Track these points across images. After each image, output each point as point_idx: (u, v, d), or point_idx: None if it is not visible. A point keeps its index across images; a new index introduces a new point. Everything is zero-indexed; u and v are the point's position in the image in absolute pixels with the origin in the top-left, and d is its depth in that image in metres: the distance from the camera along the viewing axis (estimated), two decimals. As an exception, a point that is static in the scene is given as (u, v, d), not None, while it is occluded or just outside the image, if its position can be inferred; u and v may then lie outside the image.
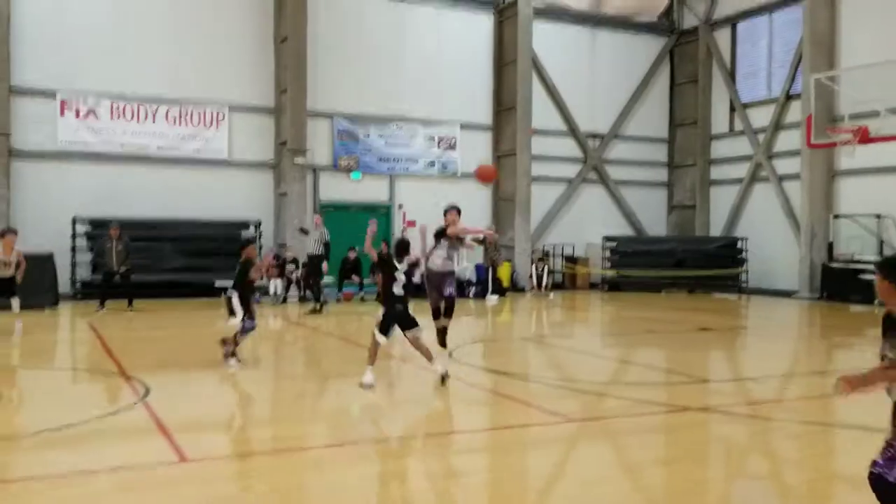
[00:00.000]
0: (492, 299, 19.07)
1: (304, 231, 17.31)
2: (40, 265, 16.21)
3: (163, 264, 17.84)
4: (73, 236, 17.63)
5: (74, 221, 17.64)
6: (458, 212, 10.28)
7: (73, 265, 17.65)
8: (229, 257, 18.66)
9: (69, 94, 18.05)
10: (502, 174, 22.25)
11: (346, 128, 20.71)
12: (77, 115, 18.18)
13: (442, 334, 9.93)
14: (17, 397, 7.88)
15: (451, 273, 10.05)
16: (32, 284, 15.73)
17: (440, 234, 10.07)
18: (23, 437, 6.03)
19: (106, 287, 15.52)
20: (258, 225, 19.13)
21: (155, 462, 5.32)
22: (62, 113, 18.04)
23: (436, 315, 9.98)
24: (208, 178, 19.26)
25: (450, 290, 9.91)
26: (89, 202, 17.83)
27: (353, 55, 20.59)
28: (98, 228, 17.15)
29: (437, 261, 9.96)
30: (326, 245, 16.37)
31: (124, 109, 18.61)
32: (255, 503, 4.60)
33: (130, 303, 15.33)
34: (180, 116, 19.13)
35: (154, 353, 10.82)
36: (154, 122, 18.88)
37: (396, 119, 21.20)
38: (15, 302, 12.71)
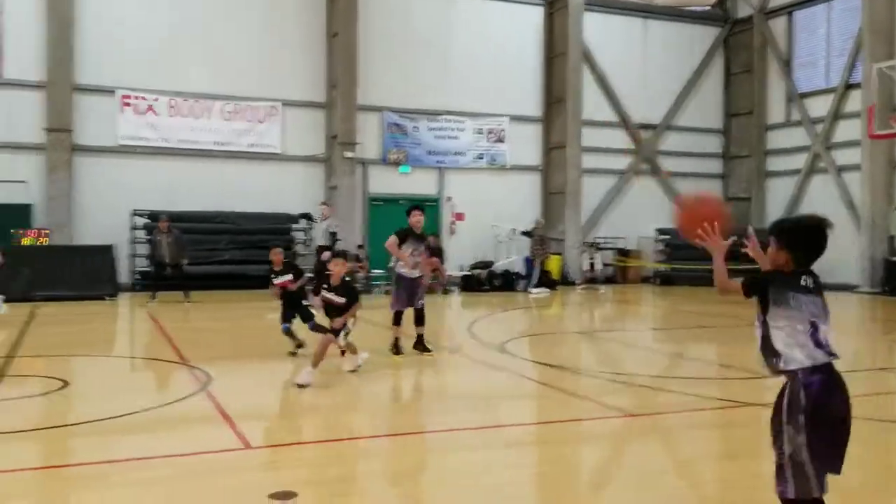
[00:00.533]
0: (536, 292, 19.00)
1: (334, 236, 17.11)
2: (100, 256, 16.76)
3: (217, 256, 18.23)
4: (132, 229, 18.12)
5: (133, 214, 18.12)
6: (422, 211, 9.57)
7: (132, 257, 18.14)
8: (283, 250, 19.08)
9: (128, 92, 18.52)
10: (552, 167, 22.17)
11: (395, 121, 20.84)
12: (136, 112, 18.66)
13: (420, 341, 9.50)
14: (84, 385, 8.14)
15: (421, 278, 9.53)
16: (92, 275, 16.26)
17: (407, 236, 9.30)
18: (90, 424, 6.24)
19: (157, 278, 15.91)
20: (309, 218, 19.39)
21: (219, 449, 5.46)
22: (122, 110, 18.54)
23: (397, 321, 9.51)
24: (261, 172, 19.60)
25: (420, 300, 9.49)
26: (147, 196, 18.28)
27: (402, 49, 20.70)
28: (156, 221, 17.58)
29: (408, 264, 9.36)
30: (333, 235, 16.59)
31: (181, 106, 19.03)
32: (315, 490, 4.69)
33: (187, 294, 15.68)
34: (235, 112, 19.48)
35: (212, 343, 11.07)
36: (209, 118, 19.27)
37: (445, 112, 21.25)
38: None
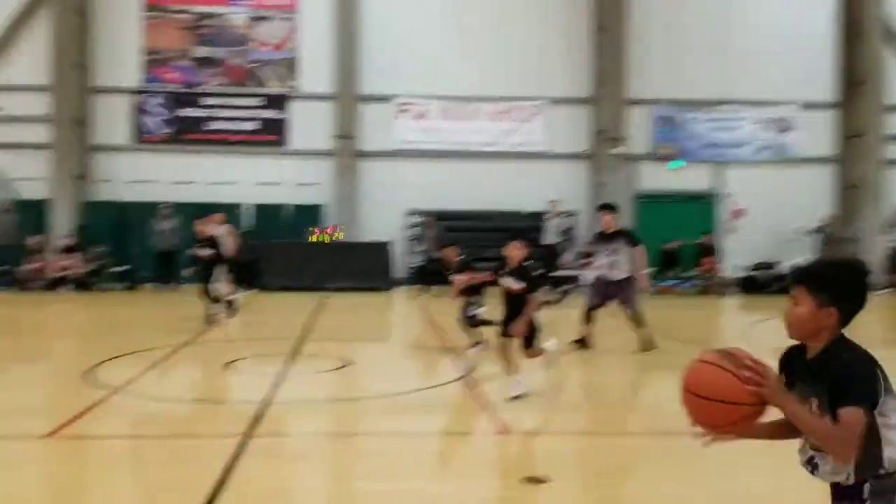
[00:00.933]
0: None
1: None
2: (378, 252, 17.97)
3: (484, 254, 18.63)
4: (408, 227, 19.19)
5: (408, 214, 19.19)
6: (611, 210, 9.33)
7: (406, 254, 19.21)
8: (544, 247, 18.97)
9: (405, 99, 19.68)
10: (847, 158, 19.77)
11: (665, 114, 19.89)
12: (411, 117, 19.77)
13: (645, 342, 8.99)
14: (364, 365, 8.65)
15: (625, 280, 9.04)
16: (371, 269, 17.49)
17: (600, 238, 9.24)
18: (369, 399, 6.57)
19: (428, 273, 16.55)
20: (573, 215, 19.18)
21: (478, 432, 5.45)
22: (398, 116, 19.74)
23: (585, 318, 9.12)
24: (527, 170, 19.74)
25: (628, 305, 9.10)
26: (422, 196, 19.23)
27: (673, 37, 19.69)
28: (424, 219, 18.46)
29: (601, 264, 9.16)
30: (566, 232, 16.12)
31: (452, 109, 19.83)
32: (569, 481, 4.44)
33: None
34: (502, 113, 19.87)
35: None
36: (478, 119, 19.86)
37: (722, 102, 19.85)
38: None
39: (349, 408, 6.56)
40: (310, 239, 18.22)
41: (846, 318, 2.28)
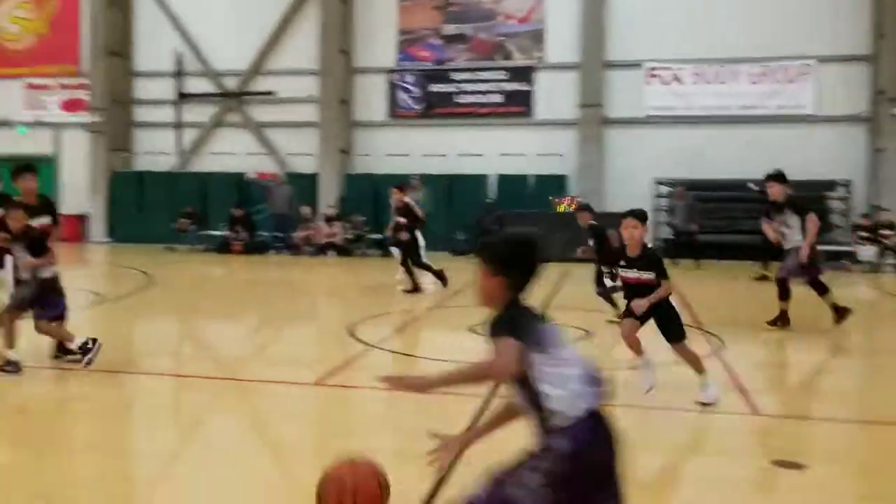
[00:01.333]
0: None
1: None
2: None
3: (736, 225, 17.50)
4: (655, 196, 18.51)
5: (656, 183, 18.49)
6: (780, 180, 8.96)
7: (656, 224, 18.54)
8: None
9: (655, 64, 18.91)
10: None
11: (964, 67, 17.24)
12: (662, 82, 18.97)
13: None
14: (607, 336, 8.53)
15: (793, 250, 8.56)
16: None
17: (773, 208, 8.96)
18: (620, 370, 6.48)
19: (675, 246, 15.87)
20: (847, 185, 17.33)
21: (727, 411, 5.15)
22: (648, 82, 19.03)
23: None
24: (790, 135, 18.15)
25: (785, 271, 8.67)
26: (671, 165, 18.46)
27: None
28: (674, 188, 17.64)
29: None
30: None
31: (706, 73, 18.73)
32: (827, 468, 4.05)
33: (697, 261, 15.39)
34: (763, 74, 18.42)
35: (725, 310, 10.66)
36: (735, 82, 18.59)
37: None
38: None
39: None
40: (556, 209, 18.22)
41: (516, 286, 2.55)
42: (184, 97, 21.27)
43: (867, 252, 16.09)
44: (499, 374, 2.51)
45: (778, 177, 9.16)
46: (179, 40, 21.01)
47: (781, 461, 4.11)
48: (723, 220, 17.27)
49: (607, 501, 2.42)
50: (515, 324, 2.45)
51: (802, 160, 17.77)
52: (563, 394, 2.41)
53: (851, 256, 16.11)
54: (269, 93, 20.76)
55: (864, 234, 16.14)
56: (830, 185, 17.48)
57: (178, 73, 21.18)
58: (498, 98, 19.93)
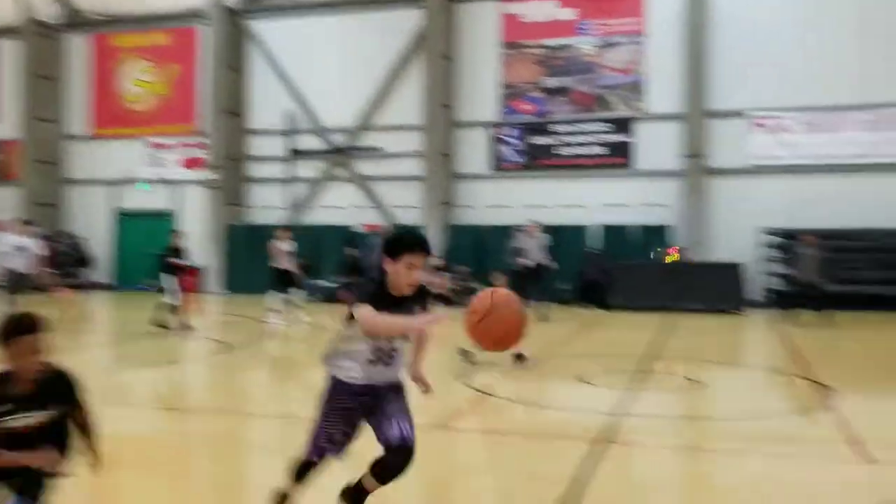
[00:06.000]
0: None
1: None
2: (729, 273, 17.25)
3: (858, 276, 16.82)
4: (762, 246, 18.09)
5: (762, 233, 18.08)
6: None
7: (763, 275, 18.08)
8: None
9: (760, 113, 18.66)
10: None
11: None
12: (768, 131, 18.68)
13: None
14: (717, 388, 8.46)
15: None
16: (721, 290, 16.91)
17: None
18: (720, 421, 6.47)
19: (797, 296, 15.16)
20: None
21: (840, 461, 5.10)
22: (753, 131, 18.77)
23: None
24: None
25: None
26: (778, 214, 18.05)
27: None
28: (788, 240, 17.14)
29: None
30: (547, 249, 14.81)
31: (815, 121, 18.34)
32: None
33: (822, 314, 14.58)
34: (876, 121, 17.89)
35: (846, 365, 10.31)
36: (846, 130, 18.11)
37: None
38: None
39: (701, 427, 6.51)
40: (664, 259, 18.09)
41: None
42: (295, 153, 22.43)
43: None
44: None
45: None
46: (290, 99, 22.25)
47: None
48: (843, 271, 16.50)
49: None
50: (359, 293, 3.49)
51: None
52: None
53: None
54: (375, 148, 21.64)
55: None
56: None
57: (290, 131, 22.39)
58: (599, 150, 20.07)
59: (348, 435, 3.54)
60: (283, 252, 14.48)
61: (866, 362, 10.50)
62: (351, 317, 3.38)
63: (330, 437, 3.51)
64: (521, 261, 14.99)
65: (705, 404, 7.65)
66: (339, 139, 21.97)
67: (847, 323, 14.49)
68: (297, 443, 3.67)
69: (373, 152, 21.67)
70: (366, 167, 21.82)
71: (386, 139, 21.53)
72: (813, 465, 5.10)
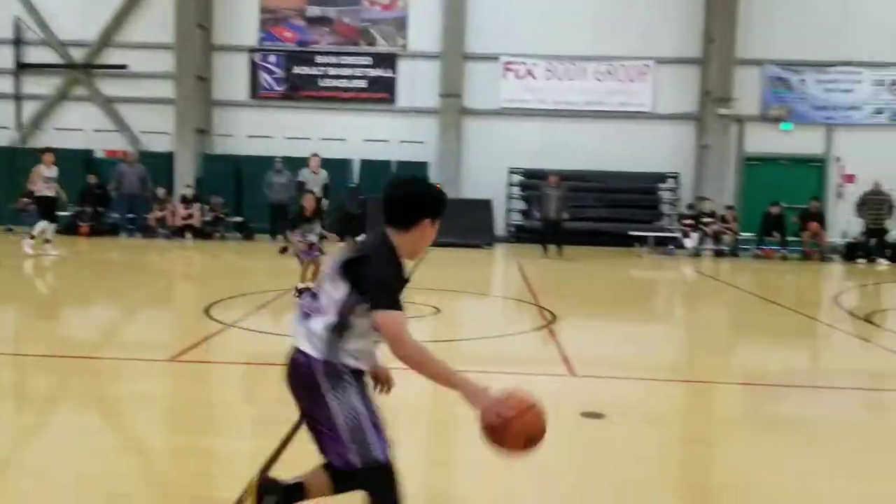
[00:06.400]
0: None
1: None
2: (480, 209, 18.37)
3: (585, 213, 18.73)
4: (509, 185, 19.49)
5: (510, 172, 19.46)
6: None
7: (508, 211, 19.54)
8: (646, 209, 18.91)
9: (510, 58, 19.82)
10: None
11: (777, 75, 19.25)
12: (516, 76, 19.93)
13: None
14: (451, 313, 9.16)
15: None
16: (472, 225, 17.93)
17: None
18: (449, 342, 7.07)
19: (543, 232, 16.54)
20: (676, 178, 18.99)
21: (547, 373, 5.87)
22: (504, 75, 19.93)
23: None
24: (630, 131, 19.62)
25: None
26: (524, 155, 19.47)
27: (790, -6, 18.95)
28: (531, 179, 18.63)
29: None
30: (326, 188, 16.02)
31: (557, 69, 19.85)
32: (622, 417, 4.79)
33: (560, 248, 16.08)
34: (607, 72, 19.75)
35: (567, 291, 11.61)
36: (583, 79, 19.82)
37: (839, 63, 19.02)
38: (49, 227, 13.41)
39: (439, 348, 7.04)
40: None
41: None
42: (23, 67, 20.15)
43: (691, 239, 17.66)
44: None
45: None
46: (18, 2, 19.83)
47: (588, 412, 4.85)
48: (574, 209, 18.24)
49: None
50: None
51: (643, 155, 19.32)
52: None
53: (676, 242, 17.65)
54: (120, 66, 20.03)
55: (687, 221, 17.71)
56: (662, 177, 19.10)
57: (18, 42, 20.02)
58: (362, 84, 20.22)
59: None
60: (45, 178, 13.35)
61: (587, 291, 11.90)
62: (352, 310, 2.73)
63: (377, 426, 2.80)
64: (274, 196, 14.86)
65: (445, 328, 8.30)
66: (78, 55, 20.04)
67: (578, 256, 16.18)
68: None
69: (117, 70, 20.05)
70: (110, 87, 20.18)
71: (134, 57, 20.00)
72: (530, 380, 5.79)
